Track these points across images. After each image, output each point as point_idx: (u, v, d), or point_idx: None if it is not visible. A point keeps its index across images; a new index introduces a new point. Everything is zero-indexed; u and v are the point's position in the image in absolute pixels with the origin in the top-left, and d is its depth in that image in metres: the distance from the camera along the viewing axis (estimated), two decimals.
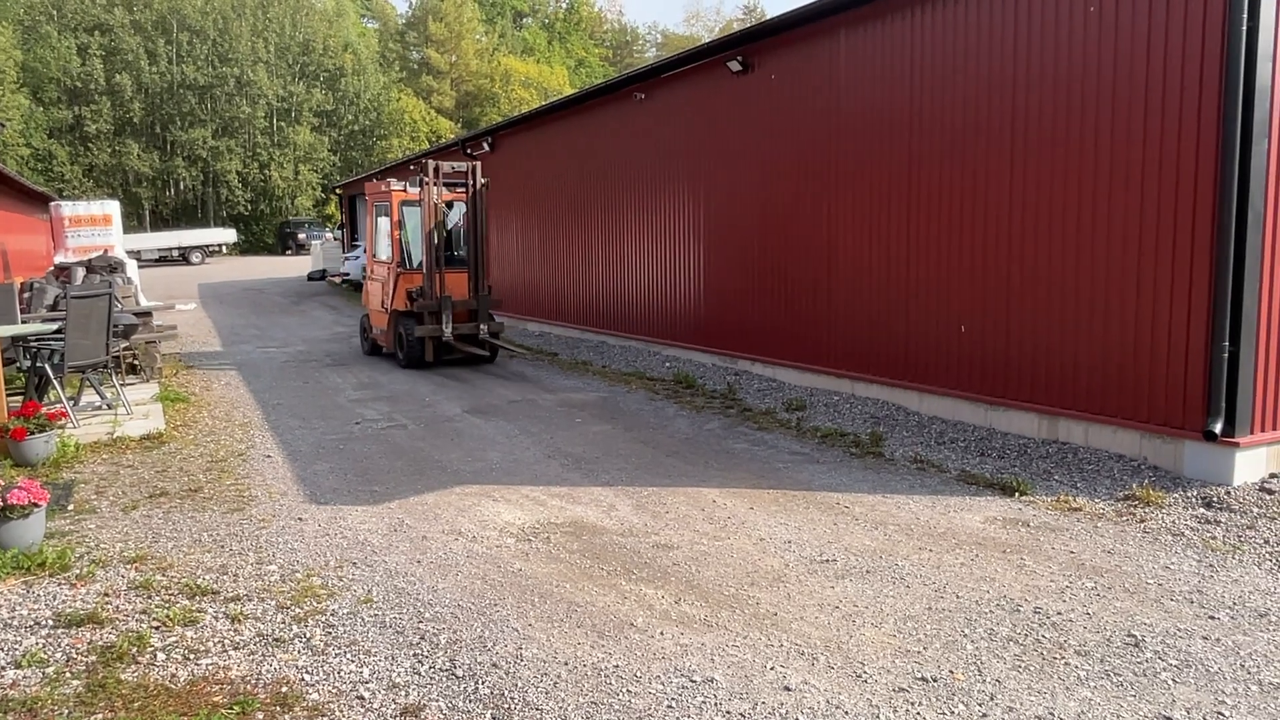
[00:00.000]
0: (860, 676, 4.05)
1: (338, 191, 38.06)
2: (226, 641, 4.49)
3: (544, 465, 7.83)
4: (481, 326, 13.03)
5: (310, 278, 33.95)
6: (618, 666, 4.16)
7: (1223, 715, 3.70)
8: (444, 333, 12.70)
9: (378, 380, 12.50)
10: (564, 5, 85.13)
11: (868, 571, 5.28)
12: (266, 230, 62.34)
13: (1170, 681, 3.97)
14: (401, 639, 4.50)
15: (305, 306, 25.03)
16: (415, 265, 13.44)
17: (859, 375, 9.75)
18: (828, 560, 5.47)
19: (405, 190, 13.47)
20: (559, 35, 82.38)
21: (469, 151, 20.11)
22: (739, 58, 11.32)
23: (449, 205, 13.27)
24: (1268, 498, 6.25)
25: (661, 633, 4.51)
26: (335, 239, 40.48)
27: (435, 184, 12.80)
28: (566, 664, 4.19)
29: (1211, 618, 4.60)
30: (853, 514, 6.33)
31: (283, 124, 62.91)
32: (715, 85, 11.95)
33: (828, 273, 10.13)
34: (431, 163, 12.93)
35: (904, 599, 4.89)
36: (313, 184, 63.67)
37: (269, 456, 8.22)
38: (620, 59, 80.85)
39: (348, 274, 29.78)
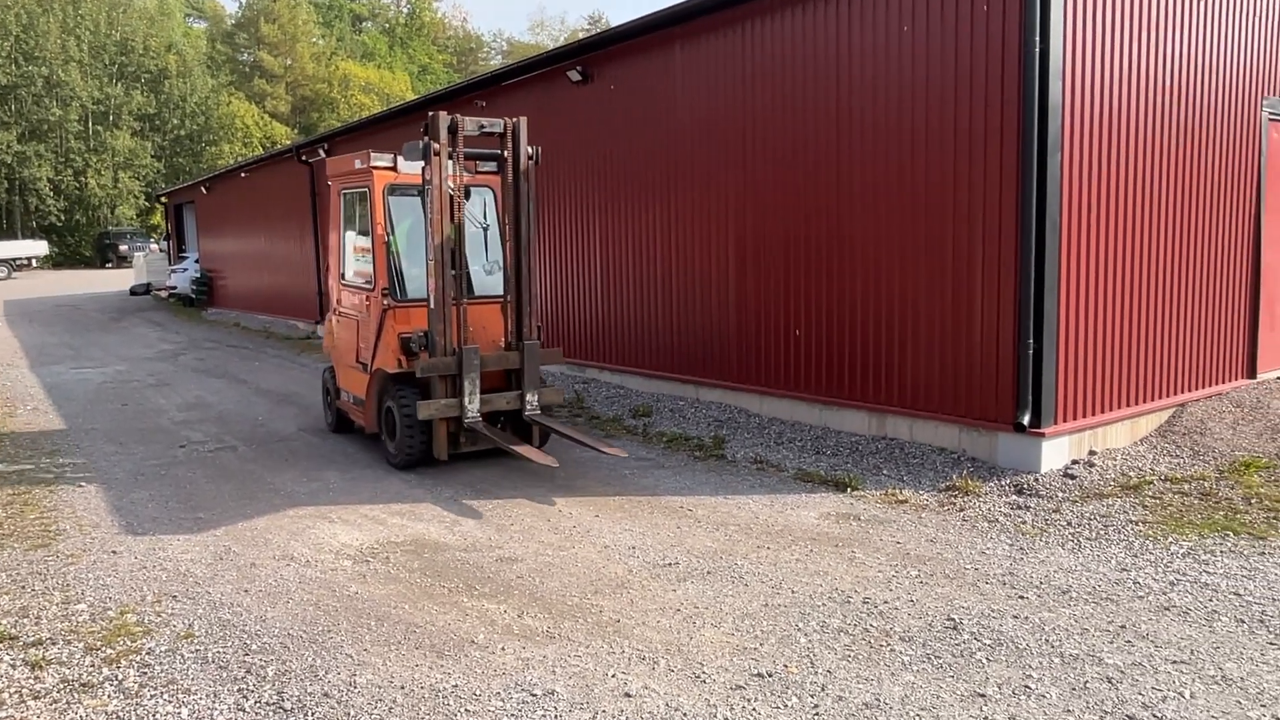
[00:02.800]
0: (699, 677, 4.11)
1: (163, 200, 35.80)
2: (25, 691, 4.12)
3: (385, 482, 7.59)
4: (528, 398, 7.85)
5: (133, 292, 31.78)
6: (456, 686, 4.06)
7: (1029, 688, 3.97)
8: (466, 412, 7.51)
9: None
10: (405, 10, 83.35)
11: (708, 573, 5.38)
12: (83, 242, 57.92)
13: (985, 660, 4.23)
14: (225, 674, 4.25)
15: (127, 323, 23.41)
16: (413, 294, 7.97)
17: (702, 380, 9.95)
18: (670, 564, 5.53)
19: (395, 167, 8.09)
20: (400, 40, 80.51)
21: (303, 159, 19.32)
22: (579, 67, 11.36)
23: (465, 192, 7.80)
24: (1070, 482, 6.77)
25: (503, 648, 4.44)
26: (161, 250, 38.07)
27: (454, 154, 7.51)
28: (403, 688, 4.07)
29: (1021, 597, 4.93)
30: (695, 517, 6.44)
31: (99, 128, 58.66)
32: (556, 94, 11.95)
33: (670, 280, 10.29)
34: (445, 116, 7.40)
35: (743, 598, 5.01)
36: (135, 192, 59.60)
37: (80, 486, 7.62)
38: (465, 66, 79.78)
39: (174, 287, 28.09)
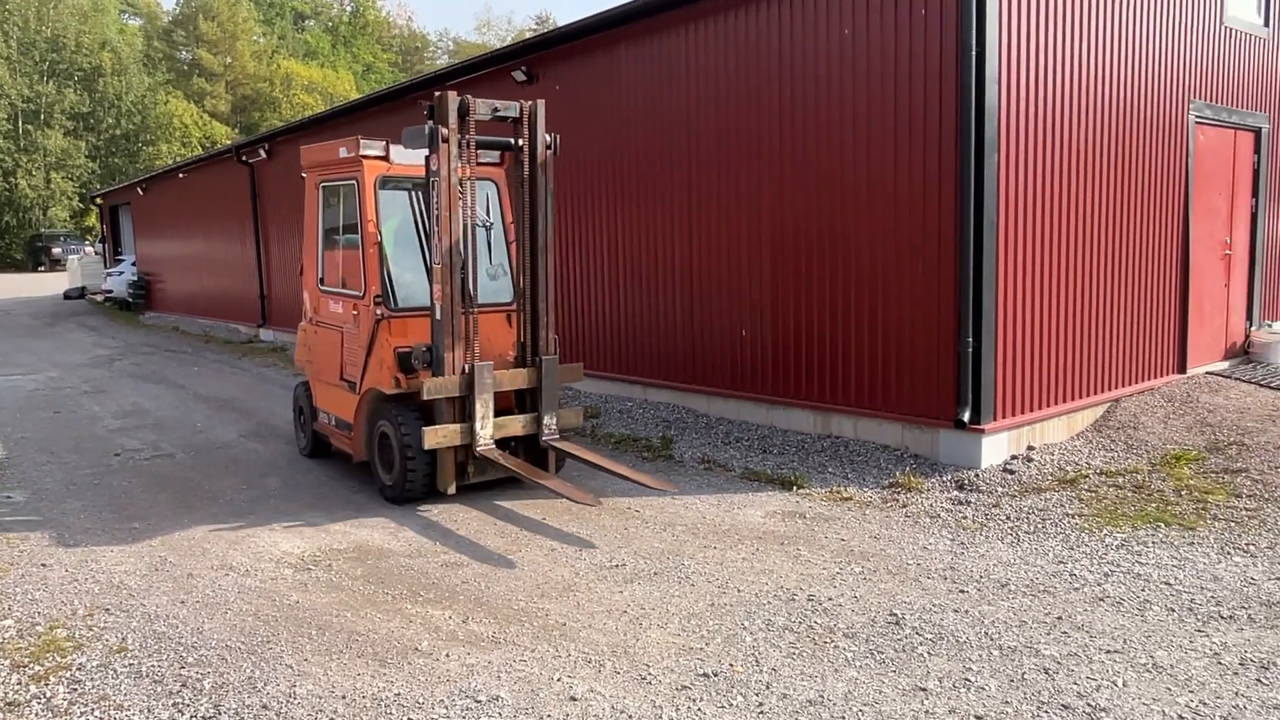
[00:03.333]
0: (645, 679, 4.11)
1: (98, 201, 34.79)
2: None
3: (328, 488, 7.46)
4: (545, 421, 6.94)
5: (67, 296, 30.88)
6: (399, 694, 4.01)
7: (969, 681, 4.03)
8: (478, 438, 6.62)
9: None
10: (348, 9, 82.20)
11: (655, 574, 5.38)
12: (14, 245, 56.07)
13: (926, 655, 4.29)
14: (160, 688, 4.14)
15: (61, 328, 22.73)
16: (404, 303, 7.04)
17: (650, 381, 9.96)
18: (617, 565, 5.53)
19: (387, 156, 7.03)
20: (344, 39, 79.33)
21: (244, 159, 18.95)
22: (524, 68, 11.30)
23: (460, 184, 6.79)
24: (1009, 477, 6.91)
25: (448, 654, 4.40)
26: (96, 253, 37.05)
27: (464, 142, 6.52)
28: (344, 697, 4.00)
29: (962, 591, 5.01)
30: (643, 517, 6.44)
31: (30, 127, 56.81)
32: (502, 94, 11.84)
33: (616, 282, 10.29)
34: (454, 97, 6.43)
35: (689, 598, 5.02)
36: (68, 193, 57.87)
37: (9, 497, 7.37)
38: (410, 65, 78.89)
39: (110, 291, 27.35)
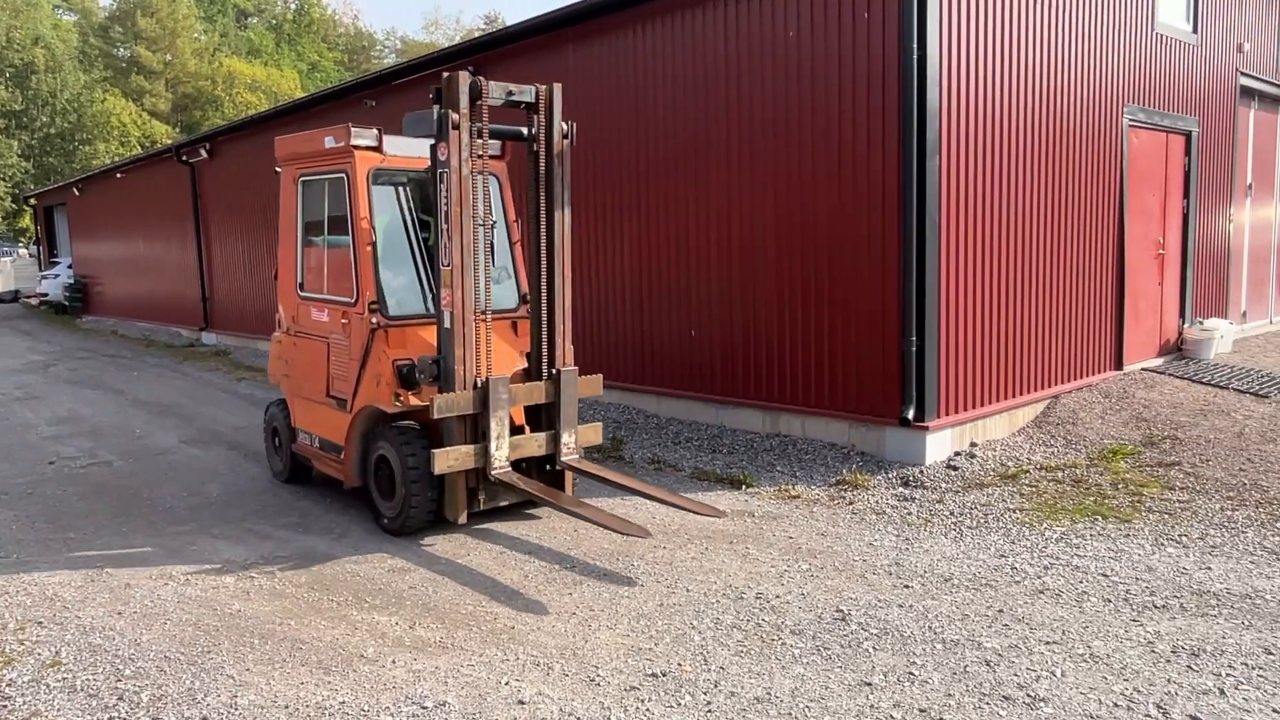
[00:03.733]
0: (594, 680, 4.10)
1: (32, 202, 33.78)
2: None
3: (271, 495, 7.33)
4: (564, 439, 6.26)
5: (0, 299, 29.94)
6: (344, 702, 3.95)
7: (913, 674, 4.09)
8: (493, 461, 5.91)
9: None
10: (293, 6, 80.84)
11: (605, 575, 5.38)
12: None
13: (871, 650, 4.34)
14: (95, 702, 4.03)
15: None
16: (404, 310, 6.42)
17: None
18: (566, 568, 5.51)
19: (379, 148, 6.44)
20: (288, 37, 78.01)
21: (184, 159, 18.52)
22: (470, 67, 11.21)
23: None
24: (953, 473, 7.03)
25: (394, 661, 4.34)
26: (30, 255, 35.99)
27: (479, 129, 5.87)
28: (286, 707, 3.93)
29: (906, 586, 5.09)
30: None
31: None
32: None
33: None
34: (465, 78, 5.81)
35: (638, 598, 5.02)
36: (0, 194, 56.12)
37: None
38: (357, 64, 77.82)
39: (45, 294, 26.58)
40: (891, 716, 3.75)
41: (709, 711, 3.83)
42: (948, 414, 7.36)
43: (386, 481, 6.18)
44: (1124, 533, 5.84)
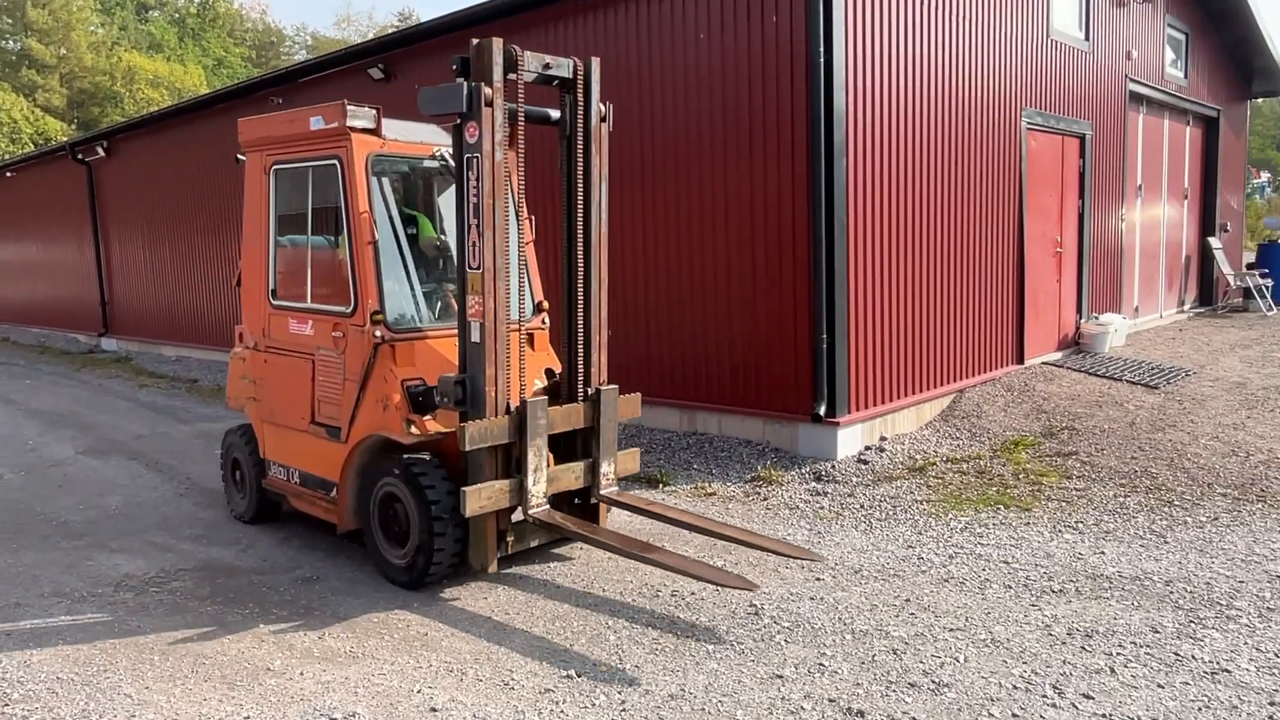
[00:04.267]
0: (508, 685, 4.08)
1: None
2: None
3: (175, 505, 7.08)
4: (604, 469, 5.50)
5: None
6: (248, 717, 3.84)
7: (824, 665, 4.18)
8: (530, 498, 5.08)
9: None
10: (196, 0, 78.20)
11: (521, 577, 5.35)
12: None
13: (783, 642, 4.41)
14: None
15: None
16: (412, 320, 5.60)
17: None
18: (480, 569, 5.45)
19: (378, 131, 5.60)
20: (192, 32, 75.40)
21: (80, 158, 17.73)
22: (381, 65, 11.03)
23: (438, 171, 6.07)
24: (863, 467, 7.19)
25: (302, 672, 4.24)
26: None
27: (515, 109, 5.10)
28: None
29: (818, 579, 5.19)
30: None
31: None
32: (358, 92, 11.53)
33: None
34: (499, 45, 4.93)
35: (554, 599, 5.00)
36: None
37: None
38: (266, 60, 75.66)
39: None
40: (801, 708, 3.82)
41: (623, 710, 3.84)
42: (858, 410, 7.53)
43: (396, 525, 5.22)
44: (1024, 521, 6.06)
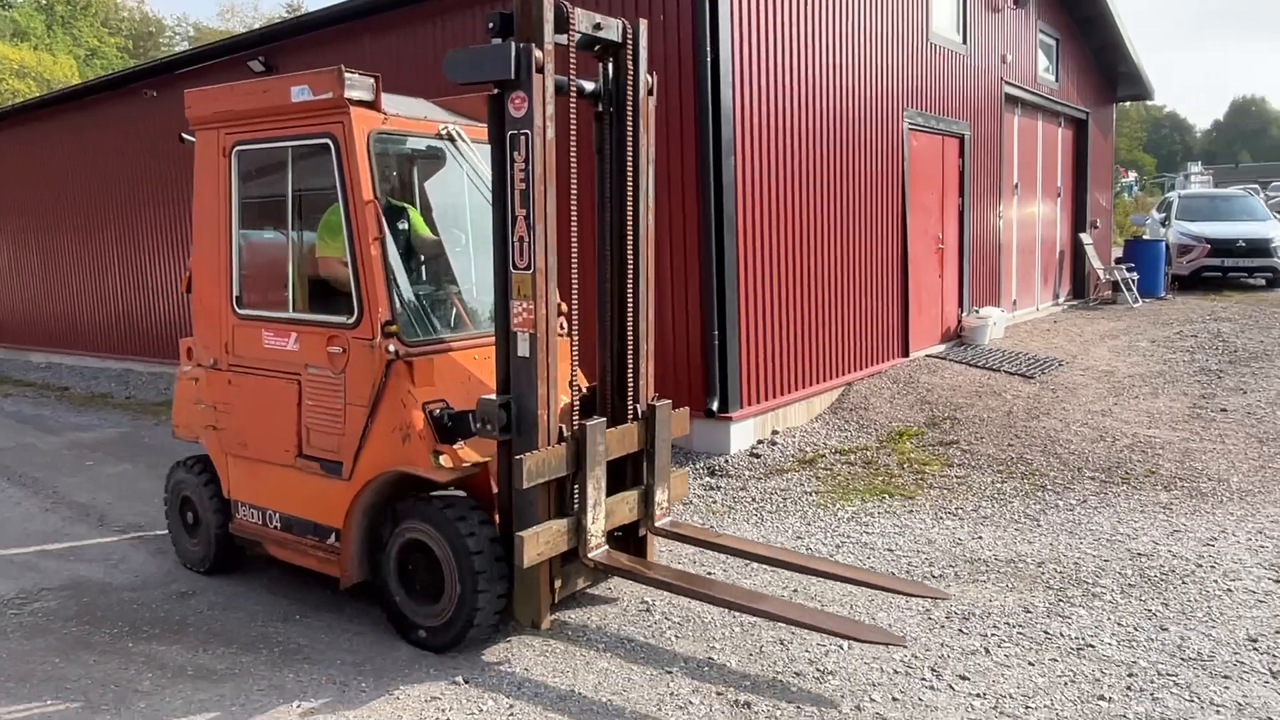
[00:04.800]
0: (392, 694, 3.98)
1: None
2: None
3: (38, 520, 6.68)
4: (659, 497, 4.78)
5: None
6: None
7: (713, 659, 4.22)
8: (589, 538, 4.34)
9: None
10: None
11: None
12: None
13: (674, 638, 4.44)
14: None
15: None
16: (438, 327, 4.92)
17: None
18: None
19: (376, 104, 4.82)
20: (62, 20, 71.42)
21: None
22: (261, 58, 10.64)
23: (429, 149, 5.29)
24: (756, 461, 7.30)
25: (173, 692, 4.05)
26: None
27: (567, 79, 4.41)
28: None
29: (710, 573, 5.23)
30: None
31: None
32: None
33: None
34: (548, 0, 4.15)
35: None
36: None
37: None
38: (144, 51, 72.20)
39: None
40: (690, 702, 3.85)
41: (511, 714, 3.80)
42: (750, 405, 7.63)
43: (422, 578, 4.41)
44: (908, 509, 6.26)
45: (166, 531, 5.74)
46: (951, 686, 3.91)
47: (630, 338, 4.70)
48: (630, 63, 4.52)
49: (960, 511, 6.18)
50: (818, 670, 4.08)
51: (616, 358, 4.73)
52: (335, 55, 9.94)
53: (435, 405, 4.38)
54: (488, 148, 4.63)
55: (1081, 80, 15.58)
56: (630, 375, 4.70)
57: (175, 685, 4.12)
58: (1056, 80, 14.45)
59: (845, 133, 8.83)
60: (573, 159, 4.41)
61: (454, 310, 5.16)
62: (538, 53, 4.07)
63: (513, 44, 4.05)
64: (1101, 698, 3.76)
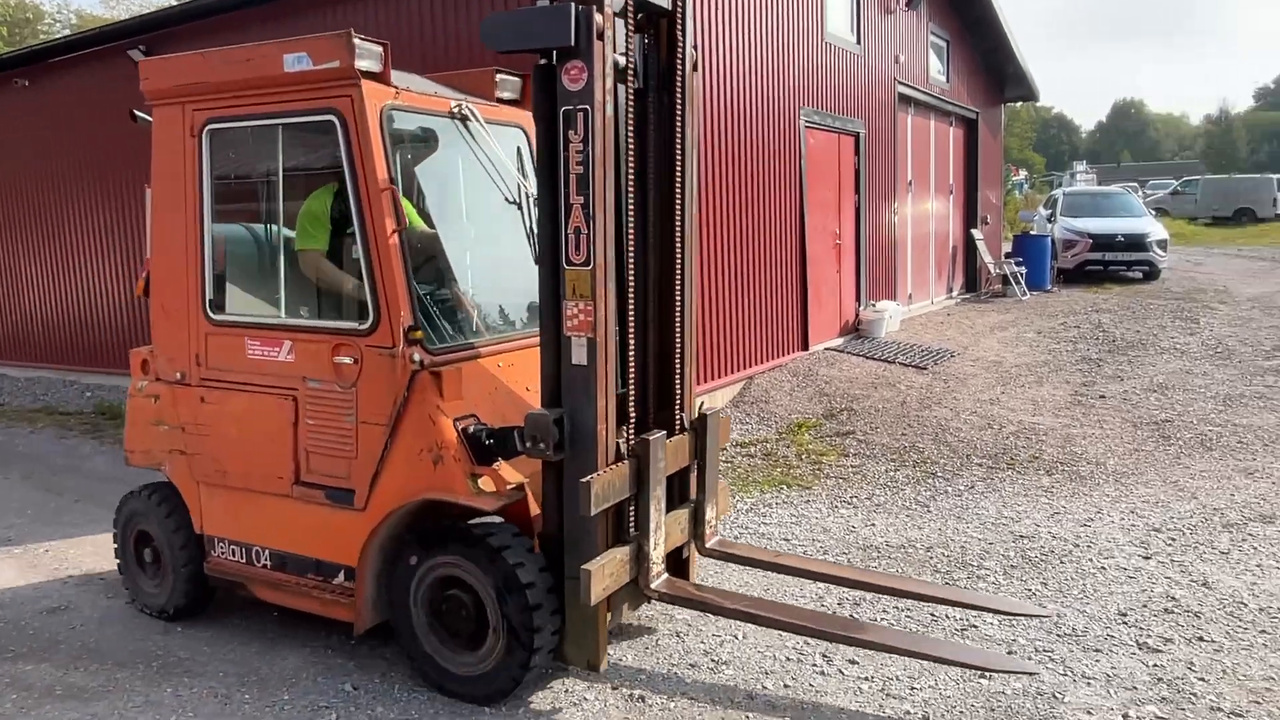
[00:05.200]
0: (275, 705, 3.85)
1: None
2: None
3: None
4: (709, 514, 4.34)
5: None
6: None
7: (609, 654, 4.20)
8: (651, 565, 3.87)
9: None
10: None
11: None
12: None
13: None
14: None
15: None
16: (464, 332, 4.29)
17: None
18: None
19: (384, 77, 3.97)
20: None
21: None
22: (142, 46, 10.17)
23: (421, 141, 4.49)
24: None
25: (38, 714, 3.83)
26: None
27: (628, 49, 3.77)
28: None
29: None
30: None
31: None
32: (117, 74, 10.59)
33: None
34: None
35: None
36: None
37: None
38: (21, 38, 68.36)
39: None
40: (585, 698, 3.83)
41: (406, 716, 3.72)
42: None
43: (455, 618, 3.86)
44: (805, 499, 6.37)
45: (42, 547, 5.44)
46: (841, 671, 4.00)
47: (678, 339, 4.17)
48: (680, 33, 4.03)
49: (855, 500, 6.33)
50: (712, 661, 4.12)
51: (658, 360, 4.20)
52: (223, 43, 9.59)
53: (467, 421, 3.85)
54: (500, 129, 4.39)
55: (971, 81, 16.13)
56: (677, 380, 4.22)
57: (41, 706, 3.90)
58: (948, 81, 14.93)
59: (745, 130, 8.93)
60: (630, 140, 3.80)
61: (469, 312, 4.49)
62: (598, 16, 3.55)
63: (572, 5, 3.54)
64: (982, 676, 3.89)
